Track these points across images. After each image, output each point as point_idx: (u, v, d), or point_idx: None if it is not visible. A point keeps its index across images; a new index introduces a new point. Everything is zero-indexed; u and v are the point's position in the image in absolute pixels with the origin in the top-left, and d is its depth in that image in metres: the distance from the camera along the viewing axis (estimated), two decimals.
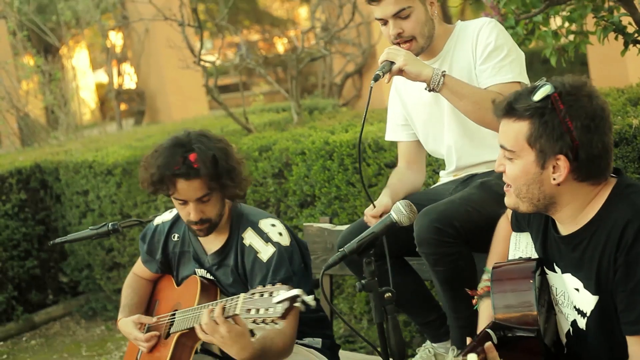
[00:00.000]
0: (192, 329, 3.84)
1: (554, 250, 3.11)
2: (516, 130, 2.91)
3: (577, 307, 3.06)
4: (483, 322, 3.25)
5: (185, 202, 3.87)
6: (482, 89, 3.88)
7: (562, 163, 2.88)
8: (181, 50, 8.32)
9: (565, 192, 2.95)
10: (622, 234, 2.86)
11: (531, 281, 3.05)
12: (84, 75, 15.82)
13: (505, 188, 3.05)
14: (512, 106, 2.91)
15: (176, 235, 4.23)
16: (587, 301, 3.00)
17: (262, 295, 3.32)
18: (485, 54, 3.95)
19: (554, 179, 2.92)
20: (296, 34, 13.14)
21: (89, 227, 4.37)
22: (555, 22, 5.36)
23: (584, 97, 2.89)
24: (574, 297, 3.06)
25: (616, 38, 4.93)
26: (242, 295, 3.43)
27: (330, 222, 4.88)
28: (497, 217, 3.51)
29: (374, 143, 5.54)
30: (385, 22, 4.00)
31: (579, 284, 3.02)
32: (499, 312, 3.06)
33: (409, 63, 3.81)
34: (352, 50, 11.33)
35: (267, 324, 3.26)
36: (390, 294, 3.06)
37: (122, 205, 7.34)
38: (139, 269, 4.45)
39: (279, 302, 3.20)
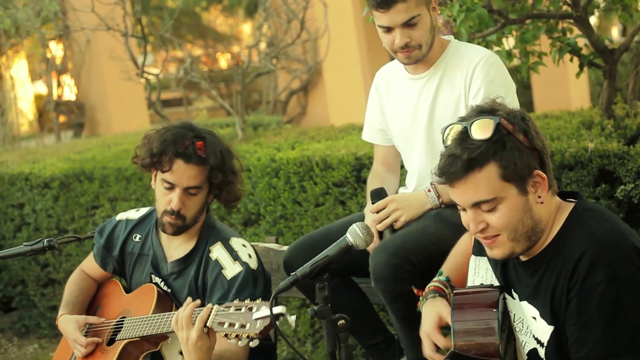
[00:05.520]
0: (141, 338, 3.75)
1: (513, 276, 3.01)
2: (486, 177, 2.76)
3: (535, 337, 2.94)
4: (426, 323, 3.09)
5: (172, 187, 3.75)
6: None
7: (539, 177, 2.80)
8: (124, 61, 8.15)
9: (545, 208, 2.85)
10: (576, 264, 2.74)
11: (494, 310, 2.92)
12: (23, 86, 15.52)
13: (489, 242, 2.87)
14: (471, 158, 2.75)
15: (138, 236, 4.09)
16: (544, 331, 2.89)
17: (238, 310, 3.24)
18: (478, 100, 3.79)
19: (539, 197, 2.82)
20: (242, 49, 13.01)
21: (23, 243, 4.15)
22: (508, 42, 5.30)
23: (512, 110, 2.85)
24: (533, 326, 2.95)
25: (571, 60, 4.88)
26: (215, 306, 3.34)
27: (276, 241, 4.74)
28: None
29: (322, 161, 5.41)
30: (389, 29, 3.86)
31: (535, 312, 2.91)
32: (459, 340, 2.93)
33: (410, 212, 3.89)
34: (298, 67, 11.22)
35: (240, 339, 3.18)
36: (344, 321, 2.92)
37: (58, 220, 7.12)
38: (89, 266, 4.29)
39: (259, 319, 3.13)
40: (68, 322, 4.04)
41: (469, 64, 3.90)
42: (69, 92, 13.47)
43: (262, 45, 11.05)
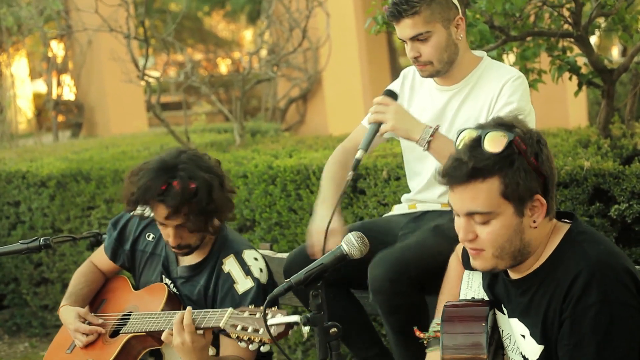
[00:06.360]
0: (147, 334, 3.79)
1: (502, 292, 3.02)
2: (486, 189, 2.76)
3: (523, 355, 2.96)
4: None
5: (164, 225, 3.81)
6: None
7: (539, 202, 2.80)
8: (125, 63, 8.17)
9: (537, 232, 2.86)
10: (570, 285, 2.75)
11: (483, 324, 2.95)
12: (22, 84, 15.52)
13: (473, 253, 2.88)
14: (476, 167, 2.75)
15: (151, 235, 4.13)
16: (533, 350, 2.90)
17: (253, 315, 3.32)
18: (504, 112, 3.77)
19: (534, 222, 2.82)
20: (243, 55, 13.03)
21: (19, 241, 4.17)
22: (509, 59, 5.33)
23: (529, 130, 2.83)
24: (520, 344, 2.96)
25: (570, 78, 4.91)
26: (230, 309, 3.42)
27: (270, 248, 4.76)
28: None
29: (319, 170, 5.42)
30: (405, 40, 3.90)
31: (525, 330, 2.92)
32: (448, 352, 2.95)
33: (398, 124, 3.77)
34: (298, 75, 11.25)
35: (251, 343, 3.27)
36: (335, 329, 2.93)
37: (54, 219, 7.13)
38: (98, 259, 4.31)
39: (273, 325, 3.15)
40: (69, 313, 4.07)
41: (498, 80, 3.90)
42: (69, 92, 13.48)
43: (263, 52, 11.08)
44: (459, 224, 2.85)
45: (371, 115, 3.86)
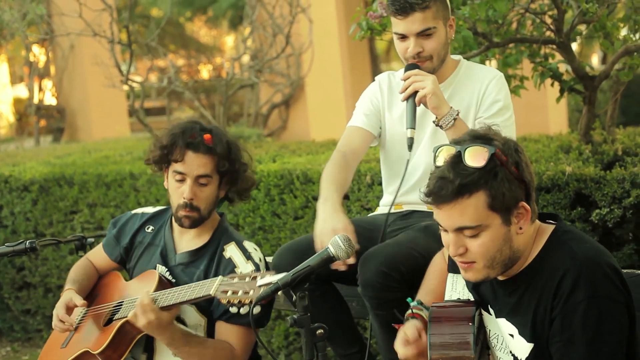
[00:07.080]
0: None
1: (489, 293, 3.06)
2: (474, 204, 2.81)
3: (512, 353, 3.00)
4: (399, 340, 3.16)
5: (183, 179, 3.92)
6: None
7: (523, 209, 2.85)
8: (108, 68, 8.17)
9: (524, 237, 2.91)
10: (559, 283, 2.82)
11: (470, 324, 2.99)
12: (3, 89, 15.48)
13: (465, 266, 2.92)
14: (462, 184, 2.79)
15: (151, 228, 4.23)
16: (522, 348, 2.95)
17: (242, 279, 3.41)
18: (494, 110, 3.93)
19: (520, 228, 2.87)
20: (225, 61, 13.03)
21: (5, 244, 4.19)
22: (491, 65, 5.38)
23: (506, 140, 2.89)
24: (509, 343, 3.01)
25: (552, 84, 4.96)
26: (219, 277, 3.53)
27: None
28: None
29: (303, 175, 5.46)
30: (403, 37, 3.94)
31: (514, 329, 2.97)
32: (435, 352, 2.99)
33: (437, 90, 3.80)
34: (281, 81, 11.26)
35: (242, 305, 3.36)
36: (322, 330, 2.97)
37: (36, 223, 7.12)
38: (95, 256, 4.40)
39: (262, 285, 3.23)
40: (64, 296, 4.11)
41: (482, 80, 4.01)
42: (50, 97, 13.46)
43: (246, 58, 11.09)
44: (448, 239, 2.89)
45: (409, 88, 3.86)
